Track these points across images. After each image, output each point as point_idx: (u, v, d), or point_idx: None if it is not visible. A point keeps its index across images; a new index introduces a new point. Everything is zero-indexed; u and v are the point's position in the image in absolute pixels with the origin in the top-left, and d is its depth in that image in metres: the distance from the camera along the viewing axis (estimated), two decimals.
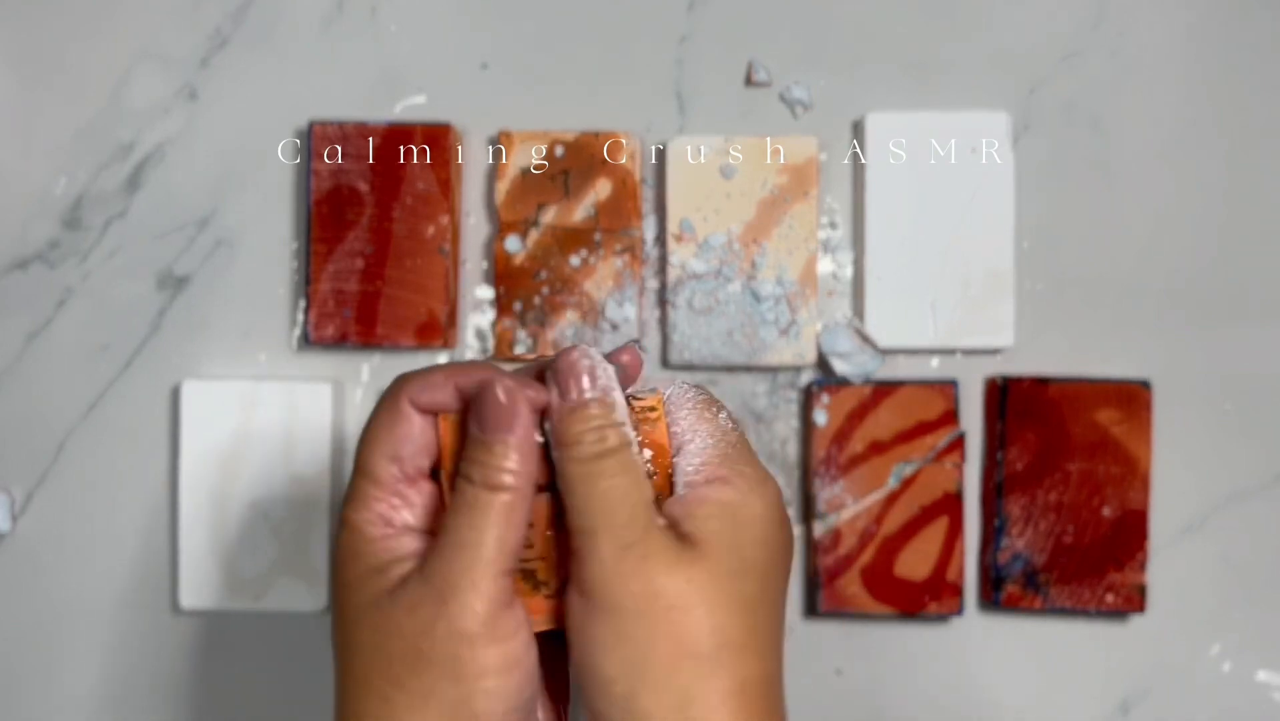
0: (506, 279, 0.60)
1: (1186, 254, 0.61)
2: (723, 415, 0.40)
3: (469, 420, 0.37)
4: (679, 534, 0.37)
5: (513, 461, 0.36)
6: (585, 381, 0.37)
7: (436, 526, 0.38)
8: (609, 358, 0.39)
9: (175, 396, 0.62)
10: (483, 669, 0.36)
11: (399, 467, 0.39)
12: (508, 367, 0.39)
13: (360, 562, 0.38)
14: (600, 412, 0.37)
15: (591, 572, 0.36)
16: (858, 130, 0.61)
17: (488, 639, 0.36)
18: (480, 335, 0.62)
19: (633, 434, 0.38)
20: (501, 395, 0.37)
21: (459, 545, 0.36)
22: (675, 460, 0.39)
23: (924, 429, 0.59)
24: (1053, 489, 0.59)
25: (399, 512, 0.39)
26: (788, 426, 0.61)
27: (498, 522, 0.36)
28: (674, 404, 0.40)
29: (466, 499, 0.37)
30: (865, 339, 0.59)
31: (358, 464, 0.39)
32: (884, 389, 0.59)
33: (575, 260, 0.60)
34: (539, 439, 0.38)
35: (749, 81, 0.62)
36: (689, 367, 0.60)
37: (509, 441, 0.36)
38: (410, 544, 0.38)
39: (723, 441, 0.39)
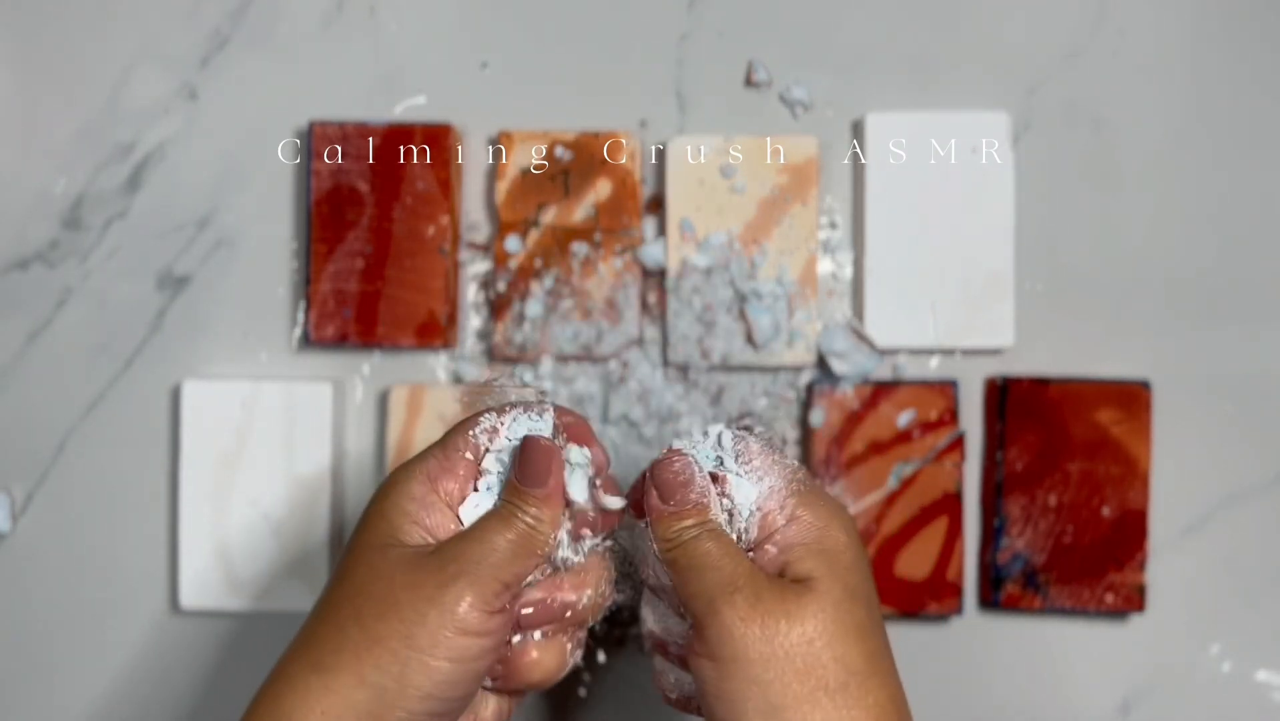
0: (507, 279, 0.60)
1: (1186, 254, 0.61)
2: (786, 457, 0.43)
3: (514, 464, 0.42)
4: (785, 582, 0.41)
5: (536, 511, 0.42)
6: (686, 493, 0.42)
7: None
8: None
9: (175, 396, 0.62)
10: (438, 645, 0.39)
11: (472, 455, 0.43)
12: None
13: (395, 508, 0.42)
14: (696, 514, 0.42)
15: (716, 635, 0.40)
16: (858, 130, 0.61)
17: (459, 627, 0.39)
18: (481, 335, 0.62)
19: (720, 512, 0.42)
20: (538, 456, 0.42)
21: (477, 542, 0.41)
22: (751, 505, 0.43)
23: (924, 429, 0.59)
24: (1052, 489, 0.59)
25: (450, 487, 0.42)
26: (787, 427, 0.61)
27: (514, 546, 0.41)
28: (737, 449, 0.43)
29: (500, 515, 0.42)
30: (863, 338, 0.59)
31: (447, 438, 0.43)
32: (884, 389, 0.59)
33: (575, 260, 0.60)
34: (574, 497, 0.43)
35: (749, 81, 0.62)
36: (688, 367, 0.60)
37: (538, 495, 0.42)
38: (441, 520, 0.42)
39: (794, 480, 0.43)
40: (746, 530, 0.43)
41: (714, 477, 0.43)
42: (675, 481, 0.42)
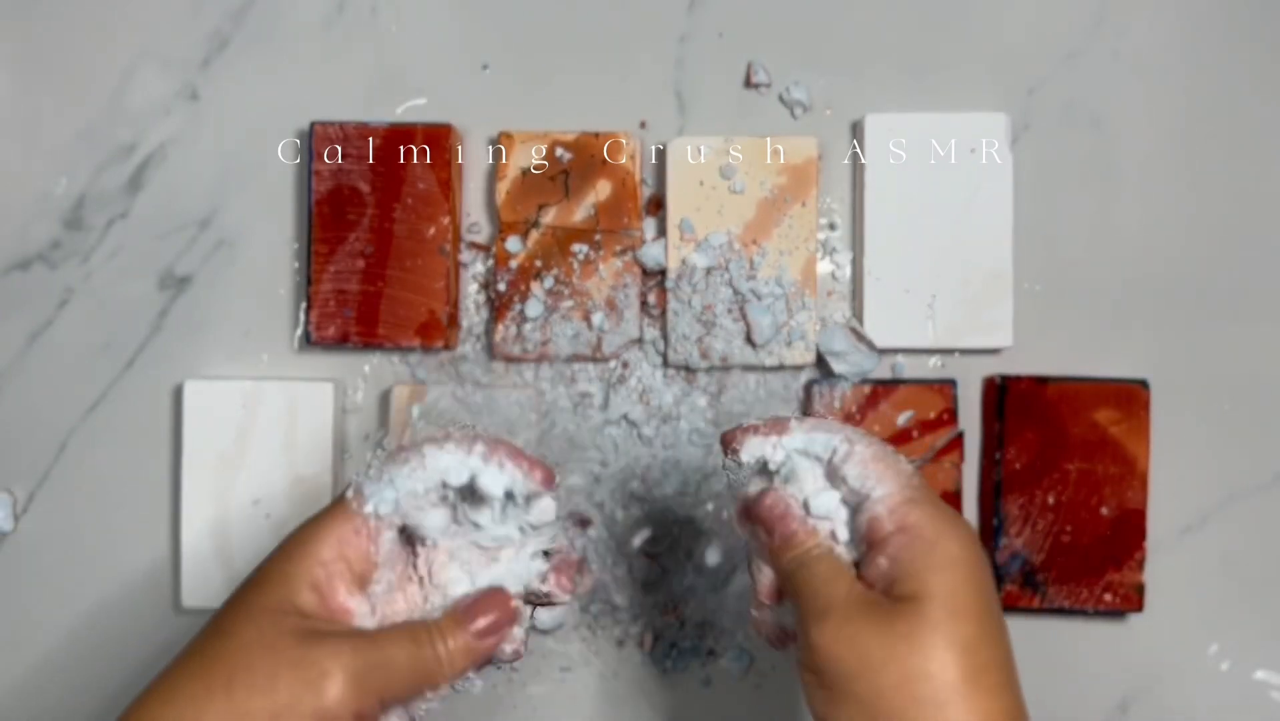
0: (507, 279, 0.60)
1: (1185, 254, 0.62)
2: (902, 458, 0.44)
3: (464, 612, 0.42)
4: (885, 602, 0.41)
5: (457, 653, 0.41)
6: (787, 525, 0.43)
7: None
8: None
9: (177, 396, 0.62)
10: None
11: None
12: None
13: (296, 566, 0.40)
14: (799, 541, 0.43)
15: (812, 652, 0.41)
16: (857, 131, 0.62)
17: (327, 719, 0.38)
18: (481, 336, 0.62)
19: (825, 535, 0.43)
20: (495, 608, 0.43)
21: (379, 650, 0.40)
22: (859, 515, 0.43)
23: (923, 428, 0.59)
24: (1051, 488, 0.59)
25: (359, 555, 0.41)
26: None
27: (415, 674, 0.40)
28: (854, 455, 0.43)
29: (415, 635, 0.41)
30: (862, 338, 0.60)
31: (355, 492, 0.42)
32: (883, 388, 0.60)
33: (576, 260, 0.60)
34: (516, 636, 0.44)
35: (749, 82, 0.62)
36: (688, 368, 0.60)
37: (473, 645, 0.42)
38: (344, 594, 0.41)
39: (907, 486, 0.43)
40: (850, 541, 0.44)
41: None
42: (773, 515, 0.43)
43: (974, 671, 0.39)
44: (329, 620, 0.40)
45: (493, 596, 0.43)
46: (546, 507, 0.44)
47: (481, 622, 0.42)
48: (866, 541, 0.42)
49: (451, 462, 0.42)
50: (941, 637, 0.39)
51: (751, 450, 0.46)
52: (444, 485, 0.42)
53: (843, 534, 0.44)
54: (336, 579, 0.41)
